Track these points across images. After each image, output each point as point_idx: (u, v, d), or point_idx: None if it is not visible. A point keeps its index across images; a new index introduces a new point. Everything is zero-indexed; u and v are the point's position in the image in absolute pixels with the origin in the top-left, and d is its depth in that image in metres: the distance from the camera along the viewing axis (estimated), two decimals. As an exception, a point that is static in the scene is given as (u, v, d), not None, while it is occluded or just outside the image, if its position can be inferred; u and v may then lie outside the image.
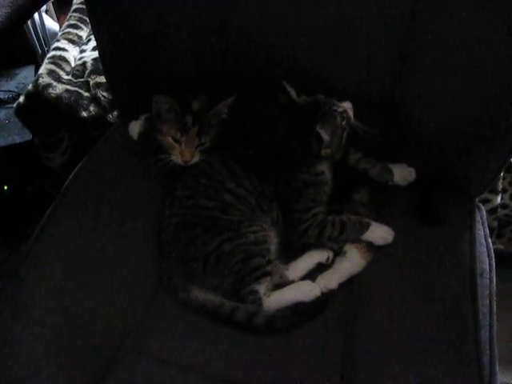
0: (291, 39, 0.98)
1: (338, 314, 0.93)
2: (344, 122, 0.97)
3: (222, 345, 0.89)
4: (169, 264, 0.97)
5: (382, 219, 0.99)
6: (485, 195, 1.32)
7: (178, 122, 0.99)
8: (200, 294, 0.93)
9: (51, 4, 1.88)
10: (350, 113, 0.98)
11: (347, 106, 0.99)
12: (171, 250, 0.96)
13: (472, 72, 0.89)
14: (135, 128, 1.11)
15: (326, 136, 0.94)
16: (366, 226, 0.96)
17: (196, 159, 1.01)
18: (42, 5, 1.42)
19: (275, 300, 0.92)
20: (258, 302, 0.91)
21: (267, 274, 0.93)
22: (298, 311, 0.90)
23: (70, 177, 1.07)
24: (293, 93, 0.99)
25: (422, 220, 1.00)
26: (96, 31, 1.07)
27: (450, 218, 1.00)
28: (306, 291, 0.92)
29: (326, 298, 0.93)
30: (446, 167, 1.04)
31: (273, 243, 0.97)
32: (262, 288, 0.92)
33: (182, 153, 1.00)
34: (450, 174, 1.04)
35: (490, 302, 0.90)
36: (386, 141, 1.03)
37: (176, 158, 1.01)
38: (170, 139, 1.01)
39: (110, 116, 1.37)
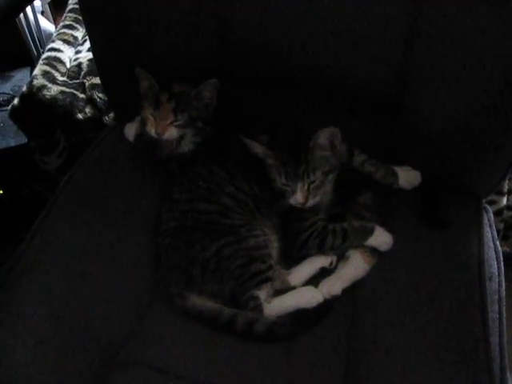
0: (293, 39, 0.95)
1: (342, 320, 0.90)
2: None
3: (221, 353, 0.87)
4: (166, 270, 0.94)
5: (386, 223, 0.96)
6: (490, 197, 1.29)
7: (155, 97, 1.02)
8: (198, 301, 0.90)
9: (47, 5, 1.86)
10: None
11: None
12: (169, 255, 0.94)
13: (478, 72, 0.86)
14: (131, 130, 1.11)
15: None
16: (370, 231, 0.93)
17: (171, 135, 1.02)
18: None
19: (276, 306, 0.89)
20: (259, 308, 0.89)
21: (268, 279, 0.90)
22: (300, 318, 0.88)
23: (63, 180, 1.05)
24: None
25: (428, 223, 0.98)
26: (89, 31, 1.06)
27: (457, 220, 0.98)
28: (308, 297, 0.90)
29: (328, 304, 0.90)
30: (453, 168, 1.01)
31: (274, 248, 0.95)
32: (262, 294, 0.89)
33: (156, 125, 1.01)
34: (457, 175, 1.02)
35: (500, 307, 0.88)
36: (391, 142, 1.01)
37: (149, 129, 1.02)
38: (147, 113, 1.02)
39: (107, 118, 1.36)
